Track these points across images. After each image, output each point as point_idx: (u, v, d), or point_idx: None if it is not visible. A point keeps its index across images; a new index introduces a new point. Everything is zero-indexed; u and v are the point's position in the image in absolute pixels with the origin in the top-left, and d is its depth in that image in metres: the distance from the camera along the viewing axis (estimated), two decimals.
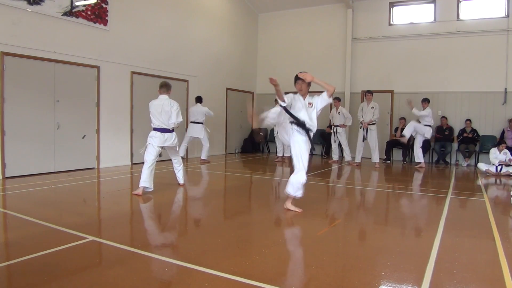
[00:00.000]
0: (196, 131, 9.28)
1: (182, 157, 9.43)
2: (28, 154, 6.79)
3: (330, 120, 10.45)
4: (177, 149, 5.89)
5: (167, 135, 5.55)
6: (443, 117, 10.28)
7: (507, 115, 9.66)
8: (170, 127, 5.58)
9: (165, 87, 5.63)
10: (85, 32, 7.62)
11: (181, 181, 6.10)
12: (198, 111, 9.25)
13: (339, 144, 10.24)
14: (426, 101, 9.08)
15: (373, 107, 9.09)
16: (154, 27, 9.16)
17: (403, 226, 4.14)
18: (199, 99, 9.46)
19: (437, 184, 7.32)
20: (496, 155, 8.24)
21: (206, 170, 8.42)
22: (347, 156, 10.07)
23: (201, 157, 9.50)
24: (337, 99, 10.15)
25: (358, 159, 9.42)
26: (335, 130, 10.09)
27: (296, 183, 4.37)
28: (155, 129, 5.54)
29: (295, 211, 4.43)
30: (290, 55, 12.42)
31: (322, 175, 8.14)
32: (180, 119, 5.59)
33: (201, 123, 9.30)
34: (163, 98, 5.54)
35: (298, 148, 4.37)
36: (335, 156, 10.33)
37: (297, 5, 12.35)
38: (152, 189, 5.48)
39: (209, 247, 3.26)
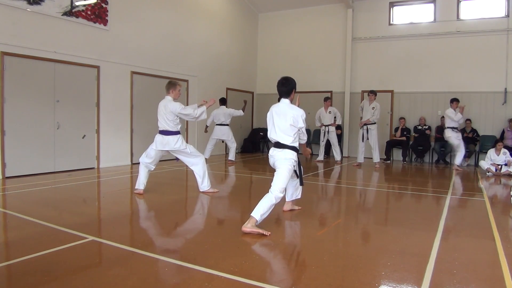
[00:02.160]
0: (224, 133, 9.30)
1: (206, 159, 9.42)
2: (28, 154, 6.79)
3: (318, 120, 10.21)
4: (189, 151, 5.40)
5: (167, 138, 5.25)
6: (443, 117, 10.28)
7: (507, 115, 9.66)
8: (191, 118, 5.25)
9: (166, 88, 5.36)
10: (85, 32, 7.62)
11: (204, 187, 5.58)
12: (223, 113, 9.25)
13: (326, 144, 10.25)
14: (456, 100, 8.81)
15: (373, 107, 9.06)
16: (154, 27, 9.16)
17: (403, 226, 4.14)
18: (223, 101, 9.45)
19: (437, 184, 7.32)
20: (494, 157, 8.10)
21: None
22: (337, 156, 10.10)
23: (229, 158, 9.55)
24: (328, 99, 10.19)
25: (360, 159, 9.40)
26: (326, 130, 10.06)
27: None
28: (159, 131, 5.35)
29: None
30: (290, 55, 12.43)
31: (321, 175, 8.15)
32: (194, 113, 5.20)
33: (227, 125, 9.31)
34: (166, 98, 5.30)
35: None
36: (320, 155, 10.27)
37: (297, 5, 12.35)
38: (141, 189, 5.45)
39: (209, 247, 3.26)
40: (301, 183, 4.22)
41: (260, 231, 3.57)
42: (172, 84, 5.33)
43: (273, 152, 3.97)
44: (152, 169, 5.56)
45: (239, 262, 2.92)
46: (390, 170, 9.08)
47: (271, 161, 4.03)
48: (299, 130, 3.93)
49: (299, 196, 4.54)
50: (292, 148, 3.91)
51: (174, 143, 5.27)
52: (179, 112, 5.17)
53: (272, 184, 3.80)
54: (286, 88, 3.97)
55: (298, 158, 3.98)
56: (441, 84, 10.41)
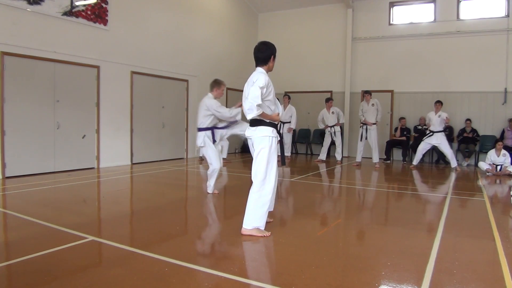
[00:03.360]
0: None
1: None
2: (28, 154, 6.79)
3: (321, 122, 10.22)
4: (208, 154, 5.37)
5: (198, 134, 5.34)
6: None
7: (507, 115, 9.66)
8: (229, 119, 5.24)
9: (210, 85, 5.39)
10: (85, 32, 7.62)
11: (208, 189, 5.58)
12: None
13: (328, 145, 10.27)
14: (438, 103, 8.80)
15: (373, 104, 9.11)
16: (154, 27, 9.16)
17: (403, 226, 4.14)
18: None
19: (437, 184, 7.31)
20: (494, 158, 8.07)
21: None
22: (338, 156, 10.13)
23: (222, 157, 9.54)
24: (330, 100, 10.20)
25: (358, 159, 9.43)
26: (333, 131, 10.08)
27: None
28: None
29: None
30: (290, 55, 12.42)
31: (322, 175, 8.14)
32: (228, 113, 5.16)
33: None
34: (207, 95, 5.34)
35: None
36: (322, 155, 10.27)
37: (297, 5, 12.35)
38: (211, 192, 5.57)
39: (209, 247, 3.26)
40: (283, 163, 3.74)
41: (260, 233, 3.54)
42: (216, 83, 5.36)
43: (248, 132, 3.48)
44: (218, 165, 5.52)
45: (239, 262, 2.92)
46: (390, 170, 9.08)
47: (249, 144, 3.59)
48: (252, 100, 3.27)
49: (271, 209, 3.75)
50: (267, 123, 3.41)
51: (197, 139, 5.33)
52: (214, 109, 5.17)
53: (252, 176, 3.48)
54: (263, 54, 3.43)
55: (280, 134, 3.57)
56: (441, 84, 10.41)
